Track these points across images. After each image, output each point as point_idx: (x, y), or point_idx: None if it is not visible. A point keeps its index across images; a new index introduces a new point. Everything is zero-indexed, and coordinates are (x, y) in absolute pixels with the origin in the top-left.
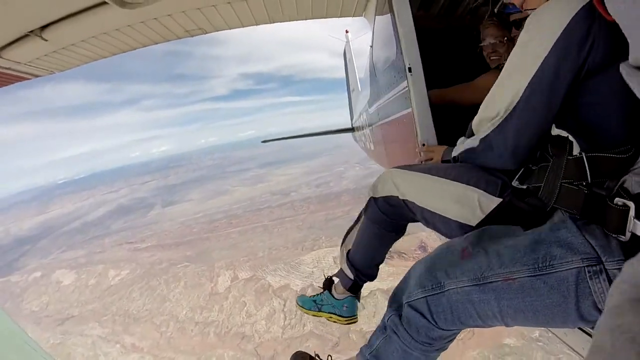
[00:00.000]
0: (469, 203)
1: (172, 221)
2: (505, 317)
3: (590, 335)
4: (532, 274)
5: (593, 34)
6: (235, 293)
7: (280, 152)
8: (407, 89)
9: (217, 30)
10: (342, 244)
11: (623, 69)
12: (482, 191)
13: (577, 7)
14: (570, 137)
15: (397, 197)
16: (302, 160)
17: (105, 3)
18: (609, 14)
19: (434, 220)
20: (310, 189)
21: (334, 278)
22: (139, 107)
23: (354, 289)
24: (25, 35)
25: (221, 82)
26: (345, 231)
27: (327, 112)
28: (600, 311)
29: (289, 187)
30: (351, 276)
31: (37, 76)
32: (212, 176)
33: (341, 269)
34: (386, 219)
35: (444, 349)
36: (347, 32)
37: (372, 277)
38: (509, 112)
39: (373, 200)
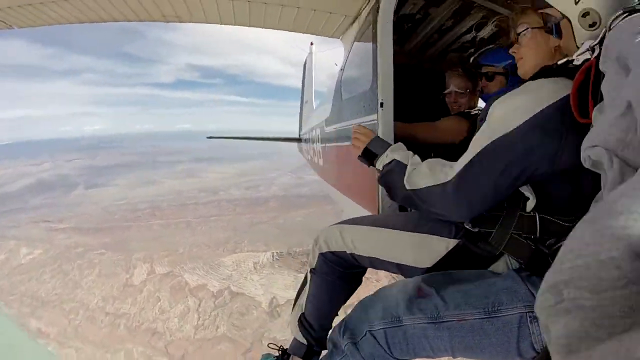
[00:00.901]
0: (426, 249)
1: (94, 205)
2: (455, 351)
3: None
4: (483, 317)
5: (560, 138)
6: (151, 287)
7: (215, 149)
8: (375, 122)
9: (194, 22)
10: (293, 309)
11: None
12: (437, 236)
13: (545, 103)
14: (527, 194)
15: (345, 251)
16: (236, 161)
17: None
18: (580, 116)
19: (388, 267)
20: (239, 191)
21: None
22: (79, 79)
23: (309, 355)
24: None
25: (167, 69)
26: (295, 296)
27: (270, 117)
28: (535, 350)
29: (219, 186)
30: (304, 341)
31: None
32: (142, 164)
33: (294, 338)
34: (339, 270)
35: None
36: (312, 44)
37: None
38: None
39: (321, 256)
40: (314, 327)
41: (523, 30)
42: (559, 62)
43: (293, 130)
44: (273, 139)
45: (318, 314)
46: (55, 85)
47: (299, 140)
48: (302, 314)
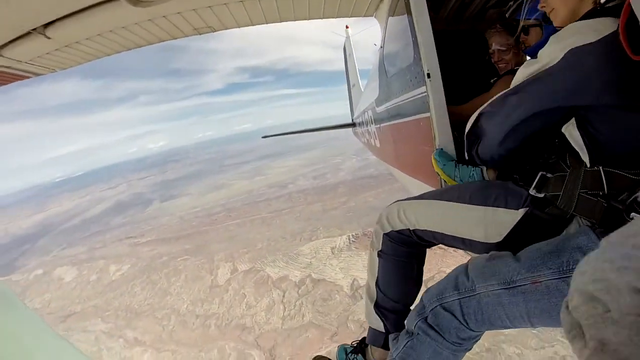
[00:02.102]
0: (493, 223)
1: (171, 216)
2: (531, 317)
3: None
4: (558, 277)
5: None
6: (235, 285)
7: (276, 144)
8: (425, 94)
9: (226, 29)
10: (367, 296)
11: None
12: (504, 209)
13: (598, 35)
14: (577, 148)
15: (408, 229)
16: (298, 152)
17: (114, 0)
18: (633, 53)
19: (455, 243)
20: (307, 181)
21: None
22: (134, 103)
23: (388, 343)
24: (28, 33)
25: (217, 76)
26: (366, 283)
27: (323, 104)
28: None
29: (286, 179)
30: (382, 329)
31: (37, 74)
32: (209, 170)
33: (370, 327)
34: (406, 248)
35: (469, 349)
36: (347, 27)
37: None
38: (512, 88)
39: (386, 236)
40: (391, 311)
41: None
42: (601, 1)
43: (348, 113)
44: (327, 128)
45: (393, 297)
46: (113, 112)
47: (352, 125)
48: (376, 300)
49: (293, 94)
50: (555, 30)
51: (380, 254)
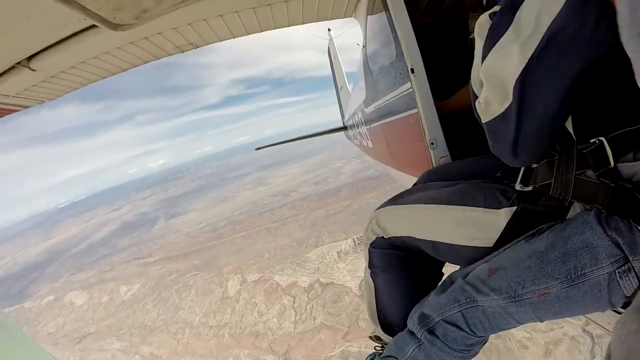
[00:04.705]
0: (474, 224)
1: (177, 233)
2: (542, 318)
3: (616, 311)
4: (566, 286)
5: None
6: (246, 295)
7: (276, 153)
8: (410, 90)
9: (208, 44)
10: (372, 317)
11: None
12: (482, 208)
13: None
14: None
15: (383, 237)
16: (299, 159)
17: (94, 27)
18: None
19: (442, 251)
20: (309, 187)
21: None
22: (133, 122)
23: None
24: (12, 67)
25: (213, 90)
26: (366, 305)
27: (321, 109)
28: (627, 297)
29: (289, 187)
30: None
31: (26, 107)
32: (211, 185)
33: (382, 345)
34: (398, 253)
35: (477, 352)
36: (329, 30)
37: None
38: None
39: (372, 247)
40: (399, 324)
41: None
42: None
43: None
44: (318, 134)
45: (398, 310)
46: (113, 133)
47: (344, 128)
48: (380, 319)
49: (289, 102)
50: None
51: (374, 270)
